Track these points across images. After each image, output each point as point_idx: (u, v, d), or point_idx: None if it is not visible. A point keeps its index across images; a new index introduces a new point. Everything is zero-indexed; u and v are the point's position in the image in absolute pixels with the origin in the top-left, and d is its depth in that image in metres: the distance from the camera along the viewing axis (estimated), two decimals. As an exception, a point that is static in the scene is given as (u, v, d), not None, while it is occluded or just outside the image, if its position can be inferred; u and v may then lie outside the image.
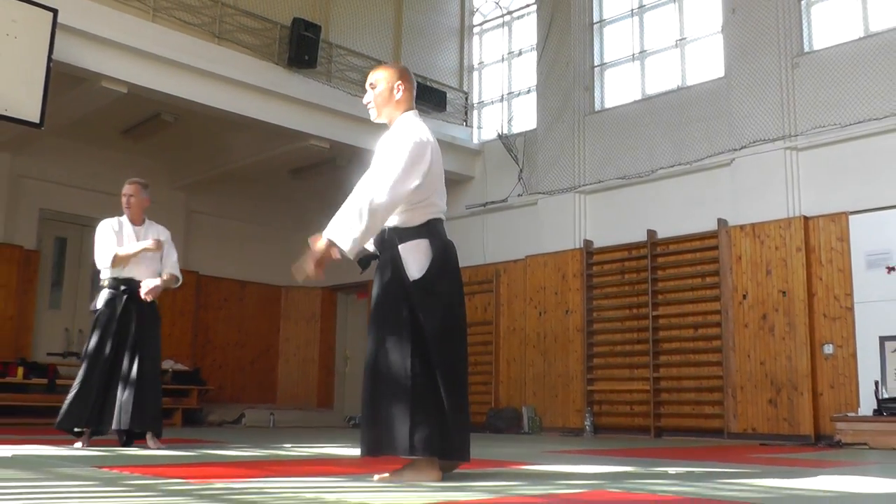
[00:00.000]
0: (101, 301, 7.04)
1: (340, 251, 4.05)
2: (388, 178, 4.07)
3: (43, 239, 13.64)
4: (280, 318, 16.65)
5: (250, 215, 16.10)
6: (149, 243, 6.99)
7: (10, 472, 4.39)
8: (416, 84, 4.58)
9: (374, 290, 4.29)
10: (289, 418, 14.70)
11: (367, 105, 4.52)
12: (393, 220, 4.20)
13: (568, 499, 3.51)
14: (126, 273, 7.04)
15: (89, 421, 6.78)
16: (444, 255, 4.22)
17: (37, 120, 9.46)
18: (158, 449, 6.64)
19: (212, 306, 15.21)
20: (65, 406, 6.85)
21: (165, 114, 12.37)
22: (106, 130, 13.09)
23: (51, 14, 9.50)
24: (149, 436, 6.84)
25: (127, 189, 7.45)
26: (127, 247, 7.01)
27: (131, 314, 6.97)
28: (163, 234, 7.41)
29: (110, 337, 6.89)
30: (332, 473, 4.71)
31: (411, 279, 4.13)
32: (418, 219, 4.21)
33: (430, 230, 4.23)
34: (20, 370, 11.91)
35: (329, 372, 16.63)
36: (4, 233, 12.87)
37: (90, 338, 7.00)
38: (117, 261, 6.97)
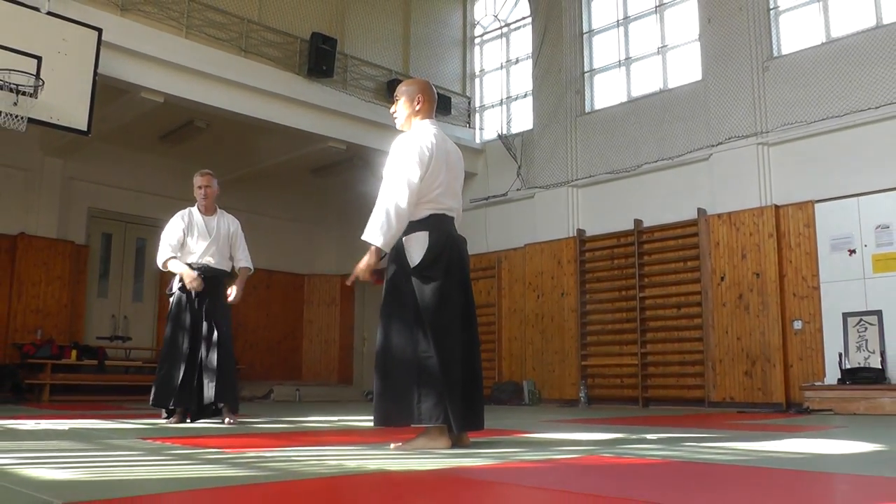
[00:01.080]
0: (175, 285, 6.88)
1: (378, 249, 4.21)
2: (401, 178, 4.19)
3: (91, 235, 13.67)
4: (304, 303, 16.67)
5: (276, 210, 16.10)
6: (194, 281, 6.74)
7: (66, 443, 4.42)
8: (436, 97, 4.65)
9: (385, 278, 4.36)
10: (313, 393, 14.74)
11: (392, 114, 4.60)
12: None
13: (566, 463, 3.53)
14: (201, 260, 6.90)
15: (178, 401, 6.67)
16: (441, 244, 4.25)
17: (84, 128, 9.48)
18: (231, 423, 6.49)
19: (243, 293, 15.20)
20: (154, 388, 6.77)
21: (198, 120, 12.40)
22: (145, 136, 13.13)
23: (96, 33, 9.53)
24: (225, 410, 6.66)
25: (201, 180, 7.28)
26: (180, 266, 6.77)
27: (204, 299, 6.83)
28: (233, 224, 7.25)
29: (185, 323, 6.75)
30: (352, 443, 4.73)
31: (412, 265, 4.21)
32: (420, 214, 4.27)
33: (432, 223, 4.27)
34: (73, 352, 11.97)
35: (348, 351, 16.64)
36: (58, 230, 12.91)
37: (168, 324, 6.86)
38: (167, 268, 6.83)
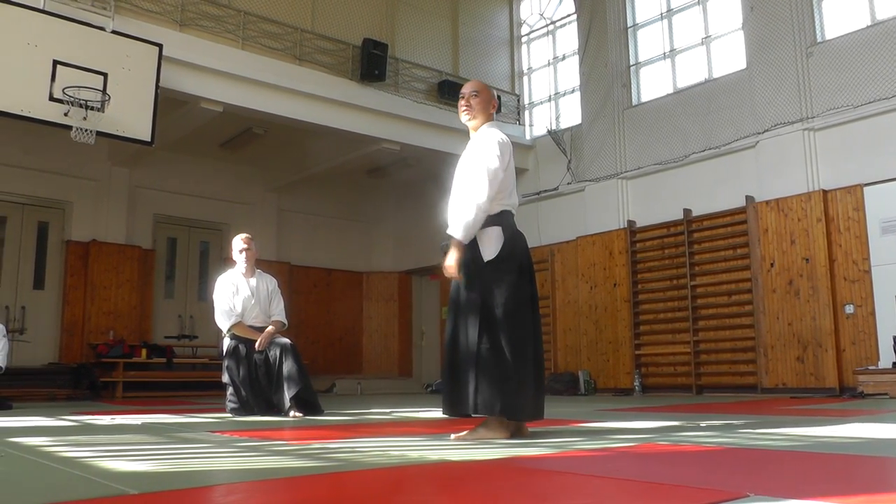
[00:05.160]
0: (224, 348, 7.01)
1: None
2: (486, 175, 4.19)
3: (157, 239, 13.92)
4: (363, 299, 16.76)
5: (333, 211, 16.25)
6: (264, 335, 6.92)
7: (140, 437, 4.51)
8: None
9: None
10: (374, 386, 14.83)
11: (464, 109, 4.49)
12: None
13: (623, 451, 3.51)
14: (246, 322, 7.02)
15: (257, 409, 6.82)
16: (513, 240, 4.28)
17: (148, 139, 9.68)
18: (296, 417, 6.52)
19: (303, 291, 15.37)
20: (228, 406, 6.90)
21: (256, 127, 12.55)
22: (206, 144, 13.32)
23: (157, 48, 9.74)
24: (293, 404, 6.68)
25: (243, 243, 7.23)
26: (246, 330, 6.96)
27: (254, 355, 6.91)
28: (271, 283, 7.31)
29: (244, 381, 6.83)
30: (414, 434, 4.75)
31: (485, 260, 4.20)
32: (493, 210, 4.26)
33: (503, 219, 4.29)
34: (143, 351, 12.20)
35: (407, 345, 16.71)
36: (126, 236, 13.17)
37: (229, 386, 6.91)
38: (234, 330, 6.96)
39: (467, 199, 4.18)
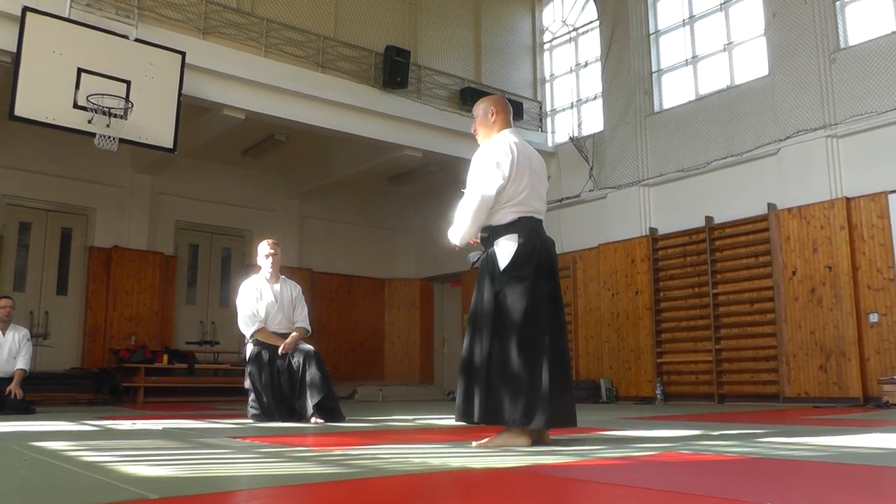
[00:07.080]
0: (247, 354, 7.06)
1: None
2: (476, 187, 4.23)
3: (179, 245, 14.03)
4: (384, 306, 16.78)
5: (355, 218, 16.29)
6: (288, 341, 6.95)
7: (161, 442, 4.52)
8: (510, 107, 4.64)
9: (475, 285, 4.38)
10: (395, 393, 14.83)
11: (474, 133, 4.63)
12: (490, 220, 4.29)
13: (644, 460, 3.48)
14: (269, 327, 7.05)
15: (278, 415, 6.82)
16: (530, 245, 4.23)
17: (171, 146, 9.75)
18: (317, 423, 6.55)
19: (325, 298, 15.41)
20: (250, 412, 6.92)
21: (279, 134, 12.61)
22: (228, 151, 13.40)
23: (180, 56, 9.82)
24: (314, 411, 6.70)
25: (269, 248, 7.28)
26: (270, 336, 6.98)
27: (277, 361, 6.92)
28: (294, 289, 7.34)
29: (266, 386, 6.85)
30: (435, 441, 4.73)
31: (501, 268, 4.19)
32: (509, 217, 4.26)
33: (520, 226, 4.26)
34: (165, 357, 12.28)
35: (429, 352, 16.71)
36: (148, 242, 13.28)
37: (251, 391, 6.95)
38: (257, 335, 6.98)
39: (460, 213, 4.29)
